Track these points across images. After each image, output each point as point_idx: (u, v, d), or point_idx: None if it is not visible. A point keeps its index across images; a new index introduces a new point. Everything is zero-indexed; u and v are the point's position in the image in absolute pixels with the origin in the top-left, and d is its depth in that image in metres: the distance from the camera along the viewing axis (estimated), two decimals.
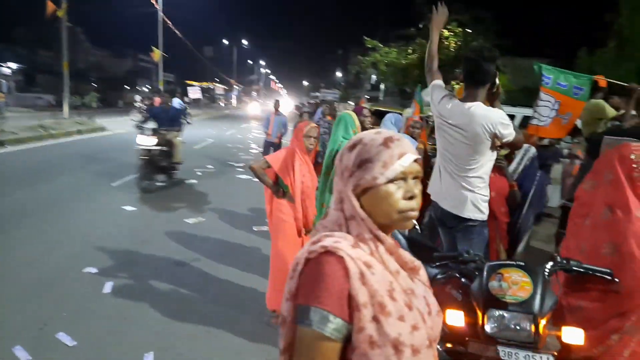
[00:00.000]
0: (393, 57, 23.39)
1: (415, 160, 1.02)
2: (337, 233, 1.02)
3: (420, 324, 0.97)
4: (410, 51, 22.91)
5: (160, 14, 28.19)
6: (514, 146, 2.62)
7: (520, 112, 10.87)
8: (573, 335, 1.79)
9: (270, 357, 3.05)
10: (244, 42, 68.85)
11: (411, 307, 0.97)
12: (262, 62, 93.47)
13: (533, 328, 1.71)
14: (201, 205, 7.02)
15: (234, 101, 63.89)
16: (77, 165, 9.82)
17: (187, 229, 5.79)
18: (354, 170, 1.03)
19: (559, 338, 1.84)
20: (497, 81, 2.48)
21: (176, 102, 16.54)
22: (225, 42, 69.41)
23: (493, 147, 2.41)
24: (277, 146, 9.26)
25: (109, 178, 8.55)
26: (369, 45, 23.95)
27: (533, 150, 3.91)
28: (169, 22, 29.65)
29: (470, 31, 22.03)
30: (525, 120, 10.64)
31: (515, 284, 1.76)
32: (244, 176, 9.86)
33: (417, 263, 1.10)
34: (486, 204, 2.53)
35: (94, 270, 4.31)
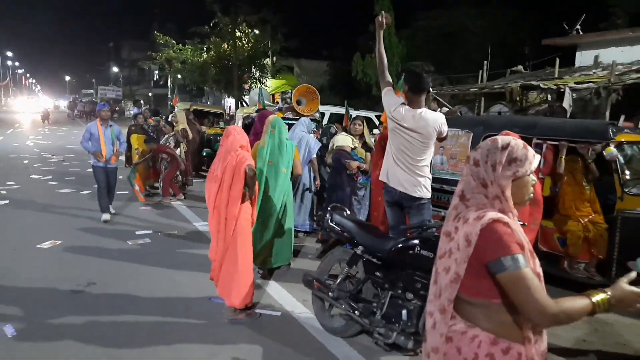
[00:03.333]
0: (188, 55, 23.01)
1: None
2: (489, 209, 1.44)
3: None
4: (205, 49, 22.94)
5: None
6: (444, 139, 3.51)
7: (328, 109, 12.47)
8: None
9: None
10: None
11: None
12: (9, 54, 76.89)
13: None
14: (41, 226, 6.05)
15: None
16: None
17: (49, 255, 5.04)
18: (505, 165, 1.43)
19: None
20: (431, 89, 3.33)
21: None
22: None
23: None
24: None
25: None
26: (161, 42, 22.99)
27: None
28: None
29: (258, 32, 23.41)
30: (334, 117, 12.35)
31: None
32: (66, 190, 8.68)
33: None
34: (430, 186, 3.38)
35: None
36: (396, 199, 3.38)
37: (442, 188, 4.88)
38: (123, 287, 4.23)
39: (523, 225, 1.77)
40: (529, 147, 1.49)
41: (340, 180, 5.23)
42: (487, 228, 1.38)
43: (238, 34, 22.64)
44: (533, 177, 1.50)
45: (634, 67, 11.12)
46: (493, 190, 1.45)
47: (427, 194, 3.36)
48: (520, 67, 16.00)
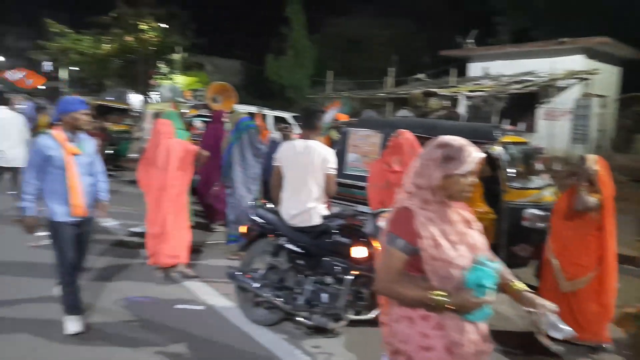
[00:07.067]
0: (87, 46, 21.40)
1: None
2: (412, 197, 1.69)
3: (464, 253, 1.64)
4: (107, 40, 21.52)
5: None
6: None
7: (243, 108, 12.41)
8: None
9: None
10: None
11: (460, 242, 1.65)
12: None
13: None
14: None
15: None
16: None
17: None
18: (440, 162, 1.62)
19: None
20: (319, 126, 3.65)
21: None
22: None
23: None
24: None
25: None
26: (54, 30, 21.10)
27: None
28: None
29: (167, 27, 22.55)
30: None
31: None
32: None
33: (471, 218, 1.77)
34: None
35: None
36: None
37: (355, 184, 5.20)
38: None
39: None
40: (467, 149, 1.60)
41: None
42: (397, 211, 1.73)
43: (145, 26, 21.60)
44: (470, 177, 1.62)
45: (516, 79, 12.67)
46: (422, 183, 1.67)
47: (318, 220, 3.38)
48: (422, 75, 17.28)
